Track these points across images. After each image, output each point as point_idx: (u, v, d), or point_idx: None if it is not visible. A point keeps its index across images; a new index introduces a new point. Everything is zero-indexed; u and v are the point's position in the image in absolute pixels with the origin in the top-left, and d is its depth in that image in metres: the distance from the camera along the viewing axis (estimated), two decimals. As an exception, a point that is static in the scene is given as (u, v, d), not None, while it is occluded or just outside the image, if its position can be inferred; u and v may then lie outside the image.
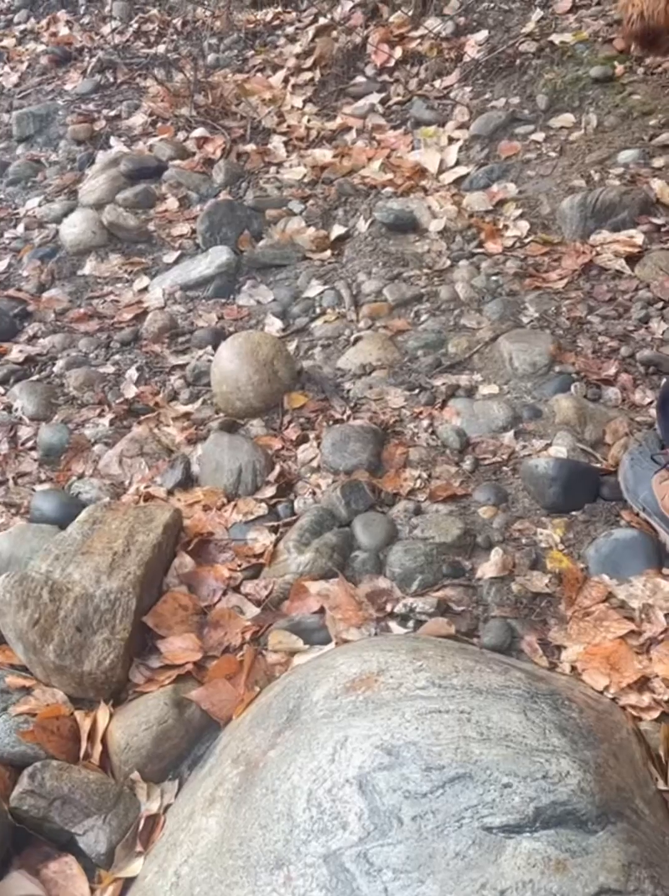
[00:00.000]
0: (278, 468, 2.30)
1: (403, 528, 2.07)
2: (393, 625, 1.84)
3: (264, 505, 2.21)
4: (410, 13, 4.17)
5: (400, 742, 1.31)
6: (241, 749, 1.49)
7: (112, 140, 4.08)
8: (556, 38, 3.71)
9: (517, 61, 3.77)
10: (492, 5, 4.05)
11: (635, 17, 2.27)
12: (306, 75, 4.21)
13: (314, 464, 2.32)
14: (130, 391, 2.70)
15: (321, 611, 1.87)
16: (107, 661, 1.74)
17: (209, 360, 2.74)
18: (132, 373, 2.79)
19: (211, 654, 1.83)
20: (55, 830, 1.57)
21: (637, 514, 2.01)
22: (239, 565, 2.05)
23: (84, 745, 1.67)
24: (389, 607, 1.87)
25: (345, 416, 2.44)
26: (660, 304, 2.69)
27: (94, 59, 4.77)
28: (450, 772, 1.27)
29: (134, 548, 1.93)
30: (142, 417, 2.59)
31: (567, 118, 3.51)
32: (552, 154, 3.40)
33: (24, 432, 2.56)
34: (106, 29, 5.04)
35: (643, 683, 1.67)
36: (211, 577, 2.01)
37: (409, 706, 1.38)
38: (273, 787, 1.33)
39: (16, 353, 2.90)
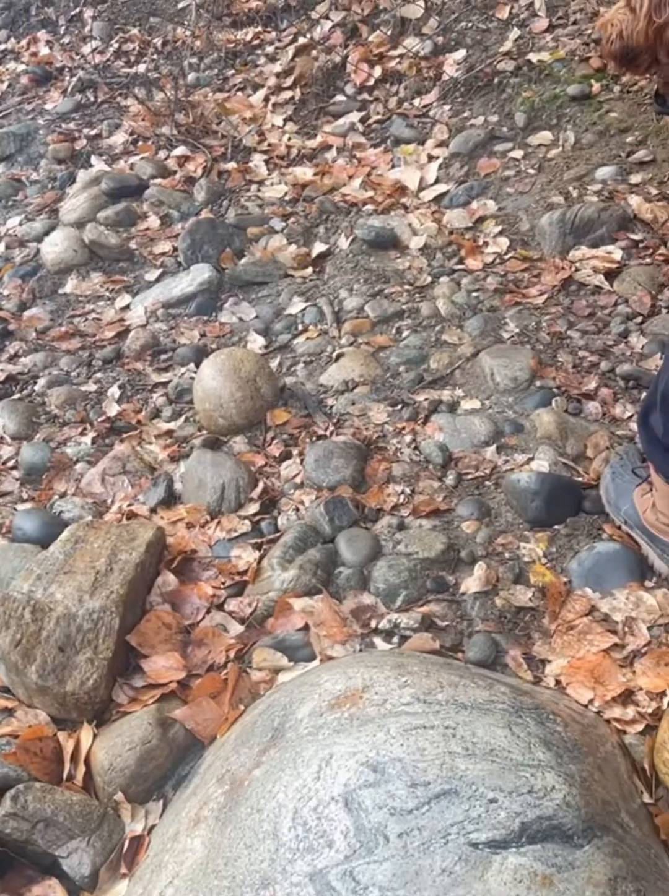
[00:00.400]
0: (261, 485, 2.30)
1: (386, 544, 2.07)
2: (378, 641, 1.84)
3: (247, 522, 2.21)
4: (389, 33, 4.21)
5: (385, 759, 1.31)
6: (225, 768, 1.48)
7: (93, 159, 4.09)
8: (533, 57, 3.76)
9: (496, 80, 3.81)
10: (470, 25, 4.10)
11: (614, 36, 2.30)
12: (287, 94, 4.24)
13: (298, 480, 2.32)
14: (113, 409, 2.70)
15: (306, 628, 1.87)
16: (90, 681, 1.73)
17: (192, 378, 2.74)
18: (114, 391, 2.78)
19: (195, 673, 1.82)
20: (38, 853, 1.55)
21: (619, 528, 2.02)
22: (223, 583, 2.05)
23: (67, 766, 1.66)
24: (373, 623, 1.87)
25: (328, 432, 2.45)
26: (639, 319, 2.71)
27: (74, 79, 4.78)
28: (436, 788, 1.26)
29: (117, 566, 1.92)
30: (124, 435, 2.59)
31: (545, 136, 3.55)
32: (531, 171, 3.44)
33: (5, 451, 2.55)
34: (86, 48, 5.05)
35: (627, 696, 1.68)
36: (194, 595, 2.00)
37: (394, 722, 1.37)
38: (258, 805, 1.33)
39: (-3, 371, 2.89)
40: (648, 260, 2.92)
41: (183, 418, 2.65)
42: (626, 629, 1.80)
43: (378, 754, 1.32)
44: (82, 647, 1.76)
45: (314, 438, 2.44)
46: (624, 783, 1.50)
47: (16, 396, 2.79)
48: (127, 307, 3.23)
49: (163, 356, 2.96)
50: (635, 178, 3.21)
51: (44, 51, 5.19)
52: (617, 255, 2.94)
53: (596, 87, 3.57)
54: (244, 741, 1.51)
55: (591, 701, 1.67)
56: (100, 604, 1.81)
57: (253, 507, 2.25)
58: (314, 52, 4.29)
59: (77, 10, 5.35)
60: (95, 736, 1.69)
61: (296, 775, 1.33)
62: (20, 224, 3.77)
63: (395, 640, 1.84)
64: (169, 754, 1.66)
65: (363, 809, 1.25)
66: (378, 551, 2.05)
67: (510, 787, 1.28)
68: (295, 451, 2.42)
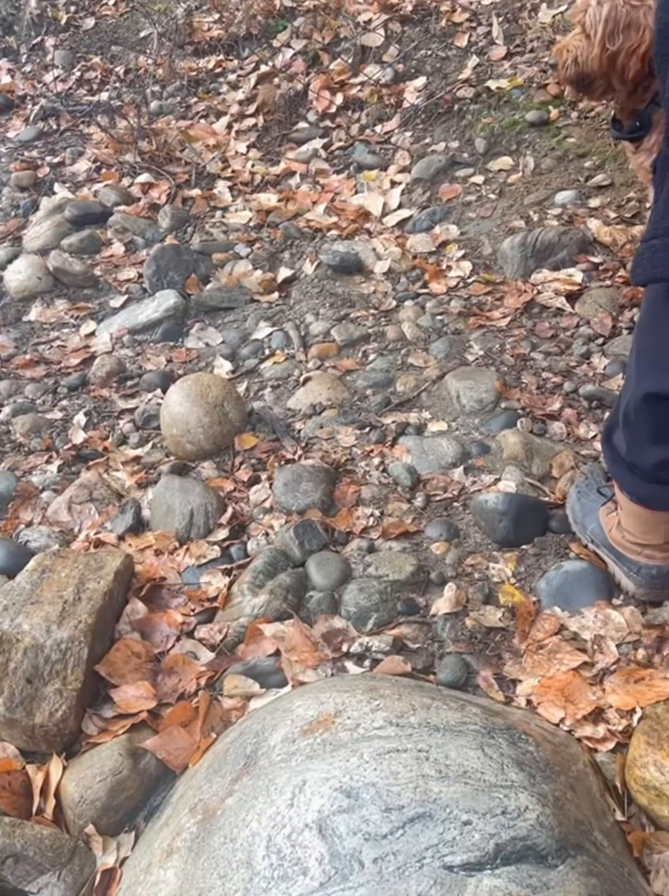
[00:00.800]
0: (230, 510, 2.30)
1: (357, 567, 2.07)
2: (349, 664, 1.83)
3: (216, 547, 2.20)
4: (350, 61, 4.27)
5: (359, 783, 1.31)
6: (198, 797, 1.47)
7: (56, 186, 4.08)
8: (492, 84, 3.83)
9: (456, 106, 3.87)
10: (429, 53, 4.16)
11: (569, 62, 2.37)
12: (250, 121, 4.28)
13: (267, 504, 2.32)
14: (79, 436, 2.68)
15: (277, 653, 1.86)
16: (59, 712, 1.70)
17: (158, 404, 2.73)
18: (80, 418, 2.76)
19: (165, 702, 1.81)
20: (8, 890, 1.52)
21: (586, 546, 2.04)
22: (192, 610, 2.04)
23: (37, 799, 1.64)
24: (345, 647, 1.86)
25: (296, 456, 2.45)
26: (600, 340, 2.75)
27: (36, 107, 4.78)
28: (410, 812, 1.26)
29: (85, 596, 1.90)
30: (91, 463, 2.57)
31: (506, 161, 3.61)
32: (492, 196, 3.49)
33: (-30, 481, 2.52)
34: (48, 77, 5.06)
35: (597, 715, 1.69)
36: (164, 623, 1.99)
37: (367, 747, 1.37)
38: (232, 835, 1.31)
39: (-40, 401, 2.86)
40: (608, 282, 2.97)
41: (150, 444, 2.64)
42: (595, 647, 1.81)
43: (352, 779, 1.31)
44: (51, 678, 1.74)
45: (283, 462, 2.44)
46: (597, 802, 1.51)
47: (-20, 425, 2.76)
48: (92, 334, 3.22)
49: (129, 382, 2.95)
50: (594, 202, 3.27)
51: (5, 79, 5.19)
52: (578, 277, 2.99)
53: (554, 113, 3.64)
54: (216, 770, 1.50)
55: (562, 720, 1.68)
56: (68, 634, 1.79)
57: (222, 533, 2.24)
58: (276, 80, 4.34)
59: (39, 39, 5.36)
60: (64, 768, 1.67)
61: (269, 803, 1.32)
62: (-17, 253, 3.75)
63: (366, 663, 1.84)
64: (140, 785, 1.65)
65: (338, 835, 1.25)
66: (349, 574, 2.05)
67: (483, 808, 1.28)
68: (264, 476, 2.42)
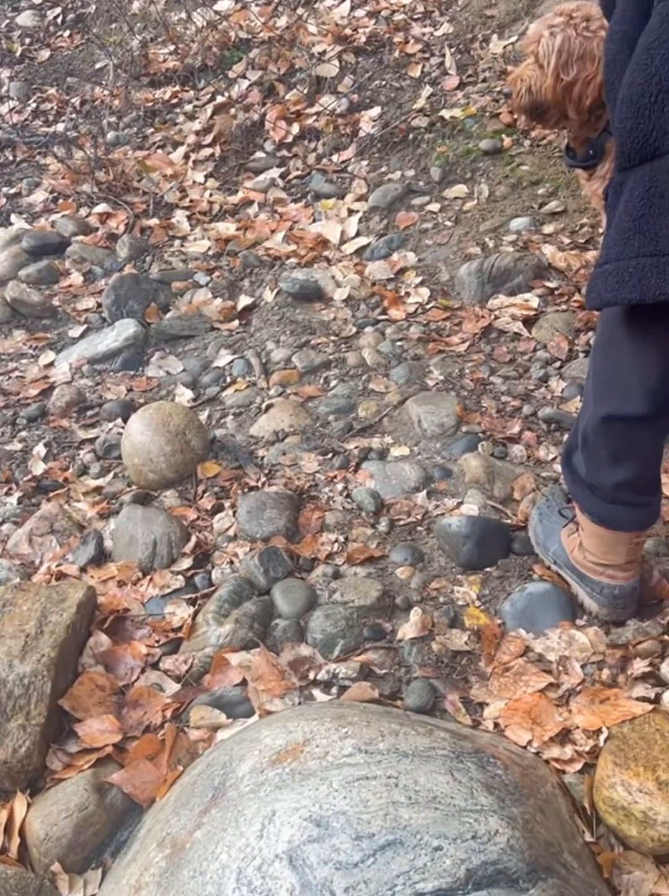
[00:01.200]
0: (193, 539, 2.28)
1: (322, 593, 2.07)
2: (317, 692, 1.83)
3: (180, 577, 2.18)
4: (305, 91, 4.32)
5: (329, 812, 1.30)
6: (166, 831, 1.44)
7: (13, 217, 4.07)
8: (446, 114, 3.89)
9: (411, 136, 3.93)
10: (383, 83, 4.23)
11: (523, 91, 2.42)
12: (207, 151, 4.30)
13: (231, 532, 2.31)
14: (39, 468, 2.65)
15: (244, 683, 1.85)
16: (22, 748, 1.67)
17: (119, 433, 2.71)
18: (40, 449, 2.74)
19: (131, 735, 1.78)
20: (-29, 935, 1.49)
21: (549, 568, 2.06)
22: (157, 641, 2.01)
23: (0, 838, 1.60)
24: (312, 675, 1.86)
25: (260, 483, 2.45)
26: (557, 364, 2.80)
27: (-8, 138, 4.77)
28: (380, 839, 1.26)
29: (47, 629, 1.87)
30: (51, 494, 2.54)
31: (461, 189, 3.67)
32: (448, 223, 3.54)
33: None
34: (3, 108, 5.04)
35: (564, 736, 1.70)
36: (128, 655, 1.97)
37: (336, 775, 1.36)
38: (201, 868, 1.30)
39: None
40: (564, 306, 3.02)
41: (112, 474, 2.62)
42: (560, 668, 1.82)
43: (321, 808, 1.30)
44: (13, 713, 1.71)
45: (246, 490, 2.44)
46: (566, 823, 1.51)
47: (-63, 458, 2.72)
48: (51, 364, 3.19)
49: (89, 412, 2.93)
50: (548, 229, 3.34)
51: (-40, 110, 5.17)
52: (534, 302, 3.04)
53: (507, 141, 3.71)
54: (184, 803, 1.48)
55: (530, 742, 1.69)
56: (31, 668, 1.76)
57: (186, 562, 2.23)
58: (233, 111, 4.37)
59: (-7, 70, 5.35)
60: (29, 805, 1.64)
61: (239, 834, 1.31)
62: (-61, 284, 3.71)
63: (334, 690, 1.83)
64: (107, 820, 1.62)
65: (308, 865, 1.24)
66: (314, 601, 2.05)
67: (454, 833, 1.28)
68: (227, 504, 2.41)
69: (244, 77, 4.50)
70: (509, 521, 2.23)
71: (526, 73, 2.41)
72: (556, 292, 3.09)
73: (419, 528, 2.26)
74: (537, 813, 1.41)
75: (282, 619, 2.01)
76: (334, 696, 1.81)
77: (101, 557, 2.30)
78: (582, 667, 1.82)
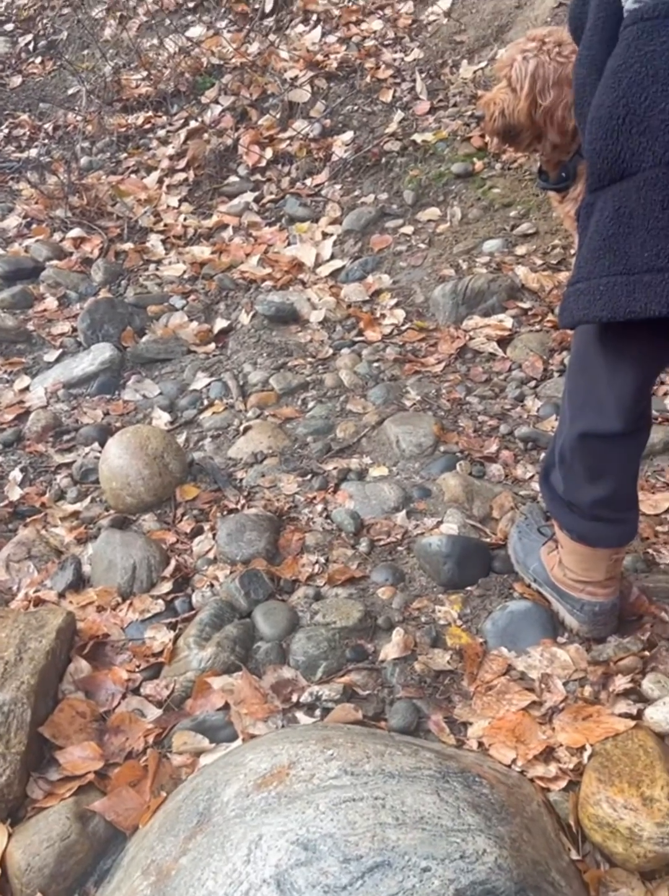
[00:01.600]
0: (173, 562, 2.27)
1: (304, 615, 2.06)
2: (300, 715, 1.81)
3: (160, 601, 2.17)
4: (278, 116, 4.36)
5: (316, 835, 1.29)
6: (150, 859, 1.43)
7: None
8: (418, 138, 3.95)
9: (383, 159, 3.97)
10: (356, 108, 4.28)
11: (496, 114, 2.47)
12: (180, 176, 4.32)
13: (211, 555, 2.30)
14: (15, 493, 2.63)
15: (226, 707, 1.83)
16: (2, 778, 1.64)
17: (96, 457, 2.70)
18: (16, 474, 2.71)
19: (113, 762, 1.76)
20: None
21: (529, 586, 2.07)
22: (138, 666, 2.00)
23: (-20, 872, 1.57)
24: (295, 697, 1.84)
25: (239, 506, 2.44)
26: (533, 383, 2.83)
27: (-37, 164, 4.77)
28: (369, 861, 1.25)
29: (26, 656, 1.85)
30: (28, 519, 2.52)
31: (434, 211, 3.71)
32: (422, 246, 3.57)
33: None
34: (-25, 134, 5.05)
35: (548, 754, 1.70)
36: (109, 681, 1.95)
37: (322, 797, 1.36)
38: (187, 895, 1.28)
39: None
40: (538, 326, 3.06)
41: (89, 499, 2.61)
42: (543, 686, 1.83)
43: (309, 831, 1.30)
44: (-7, 743, 1.68)
45: (226, 512, 2.43)
46: (552, 841, 1.51)
47: None
48: (26, 389, 3.17)
49: (66, 437, 2.91)
50: (520, 250, 3.38)
51: None
52: (508, 323, 3.08)
53: (479, 164, 3.77)
54: (169, 829, 1.47)
55: (514, 760, 1.69)
56: (10, 696, 1.74)
57: (166, 586, 2.21)
58: (206, 136, 4.40)
59: (-35, 96, 5.35)
60: (9, 835, 1.60)
61: (225, 860, 1.30)
62: None
63: (317, 712, 1.82)
64: (90, 849, 1.59)
65: (296, 890, 1.23)
66: (296, 623, 2.04)
67: (441, 854, 1.27)
68: (207, 526, 2.40)
69: (217, 102, 4.54)
70: (488, 539, 2.24)
71: (499, 96, 2.44)
72: (530, 313, 3.13)
73: (400, 548, 2.26)
74: (523, 831, 1.41)
75: (264, 642, 2.00)
76: (317, 719, 1.80)
77: (79, 583, 2.28)
78: (564, 684, 1.83)
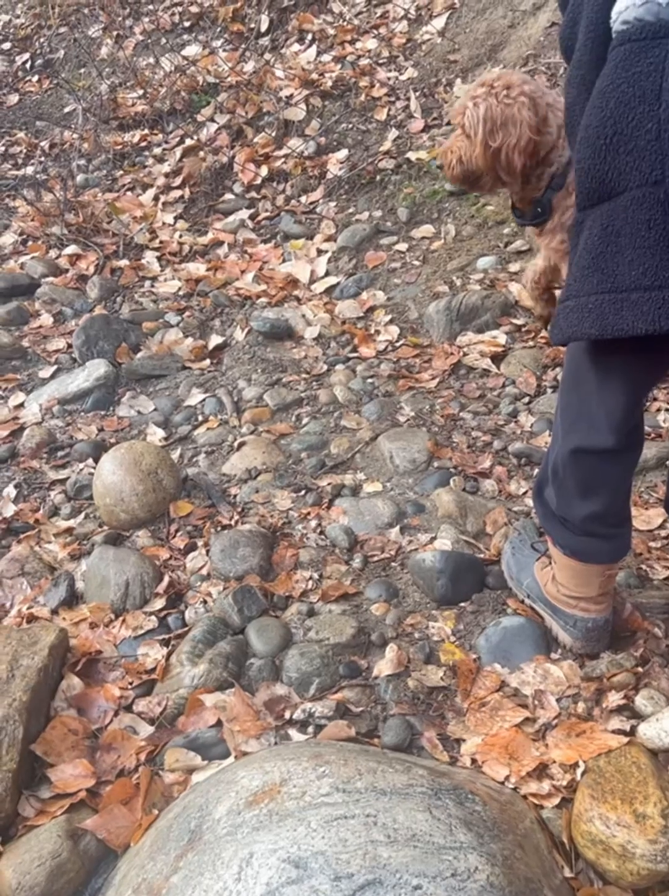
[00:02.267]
0: (166, 579, 2.27)
1: (297, 631, 2.06)
2: (293, 732, 1.81)
3: (153, 618, 2.16)
4: (273, 134, 4.38)
5: (307, 853, 1.28)
6: (141, 877, 1.42)
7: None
8: (412, 156, 3.97)
9: (378, 177, 4.00)
10: (350, 126, 4.31)
11: (454, 162, 2.52)
12: (176, 193, 4.34)
13: (204, 571, 2.30)
14: (8, 509, 2.63)
15: (219, 724, 1.83)
16: (-7, 796, 1.64)
17: (90, 473, 2.70)
18: (10, 490, 2.71)
19: (105, 779, 1.75)
20: None
21: (523, 602, 2.07)
22: (130, 683, 1.99)
23: (-30, 891, 1.56)
24: (287, 714, 1.84)
25: (233, 522, 2.44)
26: (526, 399, 2.83)
27: (-40, 181, 4.79)
28: (360, 879, 1.24)
29: (18, 673, 1.85)
30: (21, 536, 2.52)
31: (428, 229, 3.73)
32: (416, 262, 3.59)
33: None
34: (-28, 151, 5.08)
35: (541, 770, 1.69)
36: (101, 698, 1.94)
37: (314, 815, 1.35)
38: (178, 915, 1.27)
39: None
40: (531, 343, 3.07)
41: (83, 515, 2.60)
42: (536, 702, 1.82)
43: (300, 849, 1.29)
44: (-16, 760, 1.67)
45: (219, 528, 2.43)
46: (545, 859, 1.51)
47: None
48: (21, 405, 3.18)
49: (60, 453, 2.91)
50: (513, 267, 3.40)
51: None
52: (502, 339, 3.09)
53: (472, 183, 3.78)
54: (160, 847, 1.46)
55: (507, 777, 1.68)
56: (2, 713, 1.74)
57: (159, 603, 2.21)
58: (202, 153, 4.43)
59: (-38, 114, 5.38)
60: (1, 854, 1.60)
61: (216, 878, 1.29)
62: None
63: (310, 729, 1.81)
64: (81, 867, 1.58)
65: (288, 909, 1.22)
66: (289, 639, 2.04)
67: (433, 871, 1.27)
68: (200, 543, 2.40)
69: (213, 120, 4.57)
70: (482, 555, 2.24)
71: (456, 144, 2.48)
72: (523, 329, 3.14)
73: (394, 564, 2.26)
74: (516, 849, 1.41)
75: (257, 659, 1.99)
76: (310, 736, 1.80)
77: (72, 599, 2.28)
78: (558, 700, 1.82)
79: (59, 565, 2.41)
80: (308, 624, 2.07)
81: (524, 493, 2.45)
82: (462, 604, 2.12)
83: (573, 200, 2.18)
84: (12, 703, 1.76)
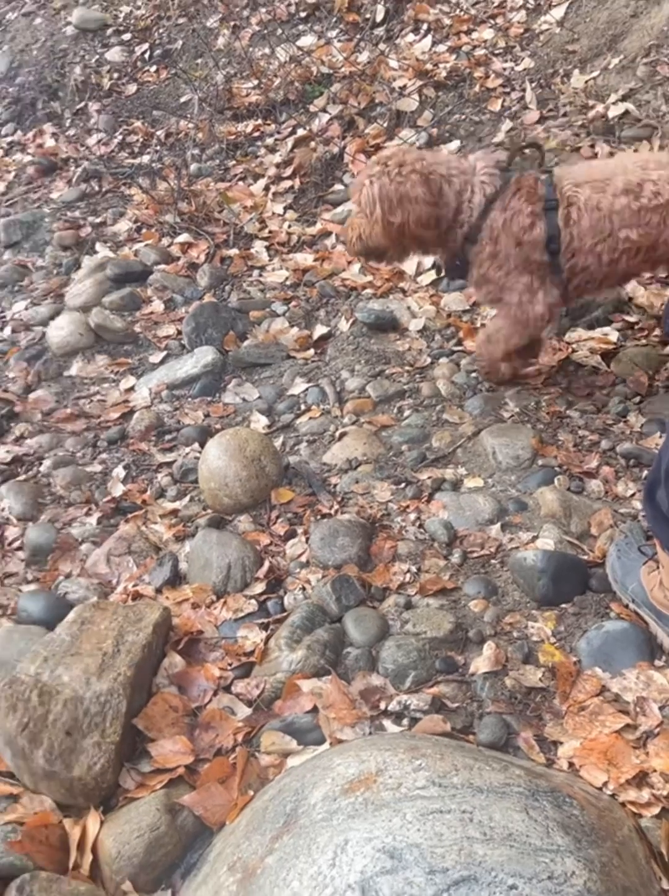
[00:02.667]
0: (266, 564, 2.30)
1: (394, 624, 2.06)
2: (387, 723, 1.82)
3: (253, 601, 2.20)
4: (385, 125, 4.37)
5: (402, 844, 1.29)
6: (237, 856, 1.45)
7: (98, 246, 4.19)
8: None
9: (489, 169, 3.93)
10: (463, 117, 4.26)
11: (354, 239, 2.65)
12: (286, 183, 4.38)
13: (303, 559, 2.33)
14: (118, 489, 2.71)
15: (314, 710, 1.85)
16: (97, 766, 1.70)
17: (196, 457, 2.76)
18: (119, 471, 2.80)
19: (203, 757, 1.79)
20: (44, 947, 1.50)
21: (627, 606, 2.02)
22: (229, 664, 2.03)
23: (74, 854, 1.62)
24: (383, 705, 1.85)
25: (332, 511, 2.46)
26: (637, 399, 2.75)
27: (79, 169, 4.94)
28: (454, 874, 1.24)
29: (124, 648, 1.90)
30: (129, 515, 2.59)
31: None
32: (526, 256, 3.52)
33: (10, 532, 2.55)
34: (91, 140, 5.23)
35: (641, 779, 1.66)
36: (201, 677, 1.99)
37: (410, 807, 1.35)
38: (272, 894, 1.30)
39: (2, 453, 2.91)
40: (644, 341, 2.98)
41: (188, 498, 2.67)
42: (638, 710, 1.78)
43: (395, 840, 1.29)
44: (90, 730, 1.73)
45: (319, 517, 2.45)
46: (643, 869, 1.47)
47: (21, 478, 2.80)
48: (131, 389, 3.27)
49: (167, 436, 2.98)
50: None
51: (50, 143, 5.37)
52: (613, 336, 3.01)
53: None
54: (256, 827, 1.49)
55: (605, 784, 1.65)
56: (107, 686, 1.79)
57: (259, 587, 2.24)
58: (313, 144, 4.45)
59: (82, 104, 5.55)
60: (102, 823, 1.65)
61: (311, 862, 1.31)
62: (26, 309, 3.85)
63: (405, 722, 1.82)
64: (178, 842, 1.63)
65: (381, 897, 1.23)
66: (386, 631, 2.04)
67: (529, 872, 1.25)
68: (300, 530, 2.43)
69: (325, 111, 4.58)
70: (586, 557, 2.20)
71: (355, 222, 2.62)
72: (636, 327, 3.05)
73: (493, 561, 2.24)
74: (614, 856, 1.38)
75: (354, 648, 2.01)
76: (404, 728, 1.80)
77: (176, 579, 2.34)
78: (661, 708, 1.78)
79: (163, 545, 2.47)
80: (405, 616, 2.07)
81: (633, 495, 2.38)
82: (564, 605, 2.08)
83: (489, 252, 2.50)
84: (117, 678, 1.82)
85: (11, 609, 2.25)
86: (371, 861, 1.27)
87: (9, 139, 5.61)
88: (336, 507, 2.48)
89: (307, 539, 2.37)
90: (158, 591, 2.29)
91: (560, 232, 2.46)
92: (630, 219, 2.41)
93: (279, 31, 5.17)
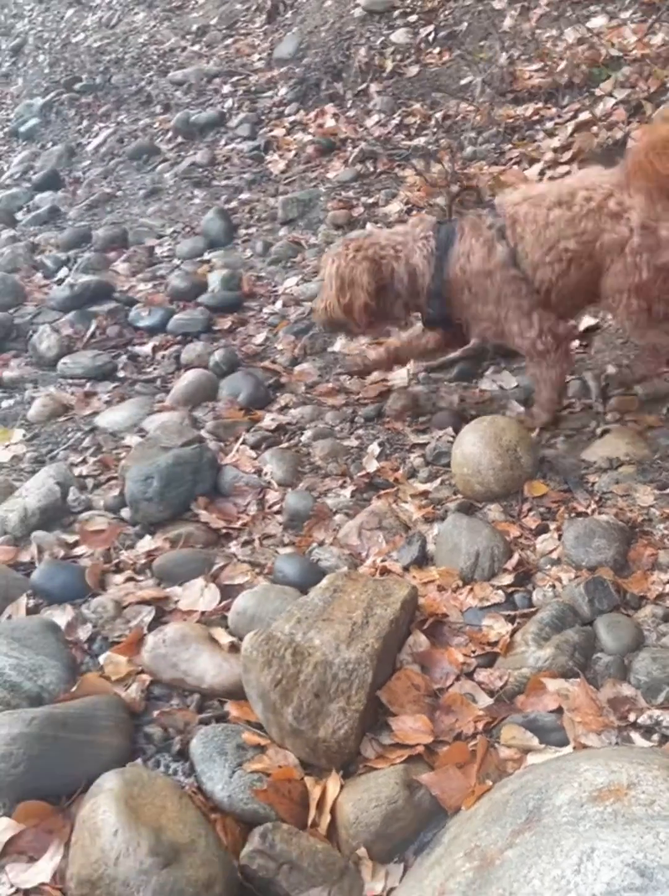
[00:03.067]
0: (516, 556, 2.27)
1: (650, 634, 1.97)
2: (636, 736, 1.74)
3: (500, 592, 2.18)
4: (676, 110, 4.13)
5: (654, 864, 1.23)
6: (474, 843, 1.45)
7: (368, 226, 4.28)
8: None
9: None
10: None
11: (320, 311, 2.84)
12: (564, 168, 4.24)
13: (554, 555, 2.27)
14: (372, 465, 2.77)
15: (559, 710, 1.81)
16: (341, 730, 1.75)
17: (449, 441, 2.77)
18: (374, 448, 2.86)
19: (442, 739, 1.80)
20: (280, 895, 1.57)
21: None
22: (473, 651, 2.03)
23: (313, 812, 1.68)
24: (632, 716, 1.77)
25: (589, 510, 2.38)
26: None
27: (356, 150, 5.07)
28: (710, 906, 1.17)
29: (372, 620, 1.94)
30: (381, 492, 2.64)
31: None
32: None
33: (271, 496, 2.68)
34: (370, 121, 5.34)
35: None
36: (445, 660, 1.99)
37: (664, 826, 1.29)
38: (512, 889, 1.28)
39: (268, 420, 3.06)
40: None
41: (439, 480, 2.68)
42: None
43: (646, 857, 1.24)
44: (336, 695, 1.79)
45: (574, 514, 2.38)
46: None
47: (284, 445, 2.93)
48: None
49: (421, 418, 3.01)
50: None
51: (330, 123, 5.55)
52: None
53: None
54: (495, 818, 1.47)
55: None
56: (355, 655, 1.84)
57: (507, 578, 2.22)
58: (595, 129, 4.28)
59: (364, 85, 5.67)
60: (341, 786, 1.71)
61: (554, 864, 1.28)
62: (297, 284, 4.01)
63: (655, 737, 1.73)
64: (414, 818, 1.65)
65: (627, 915, 1.18)
66: (641, 641, 1.95)
67: None
68: (553, 526, 2.37)
69: (611, 95, 4.40)
70: None
71: (323, 294, 2.81)
72: None
73: None
74: None
75: (605, 654, 1.93)
76: (654, 744, 1.71)
77: (423, 560, 2.36)
78: None
79: (413, 525, 2.50)
80: (663, 628, 1.97)
81: None
82: None
83: (468, 297, 2.64)
84: (365, 648, 1.86)
85: (268, 568, 2.36)
86: (619, 875, 1.22)
87: (292, 119, 5.86)
88: (593, 506, 2.40)
89: (560, 536, 2.31)
90: (406, 568, 2.32)
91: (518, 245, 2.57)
92: (565, 228, 2.49)
93: (569, 11, 5.01)
